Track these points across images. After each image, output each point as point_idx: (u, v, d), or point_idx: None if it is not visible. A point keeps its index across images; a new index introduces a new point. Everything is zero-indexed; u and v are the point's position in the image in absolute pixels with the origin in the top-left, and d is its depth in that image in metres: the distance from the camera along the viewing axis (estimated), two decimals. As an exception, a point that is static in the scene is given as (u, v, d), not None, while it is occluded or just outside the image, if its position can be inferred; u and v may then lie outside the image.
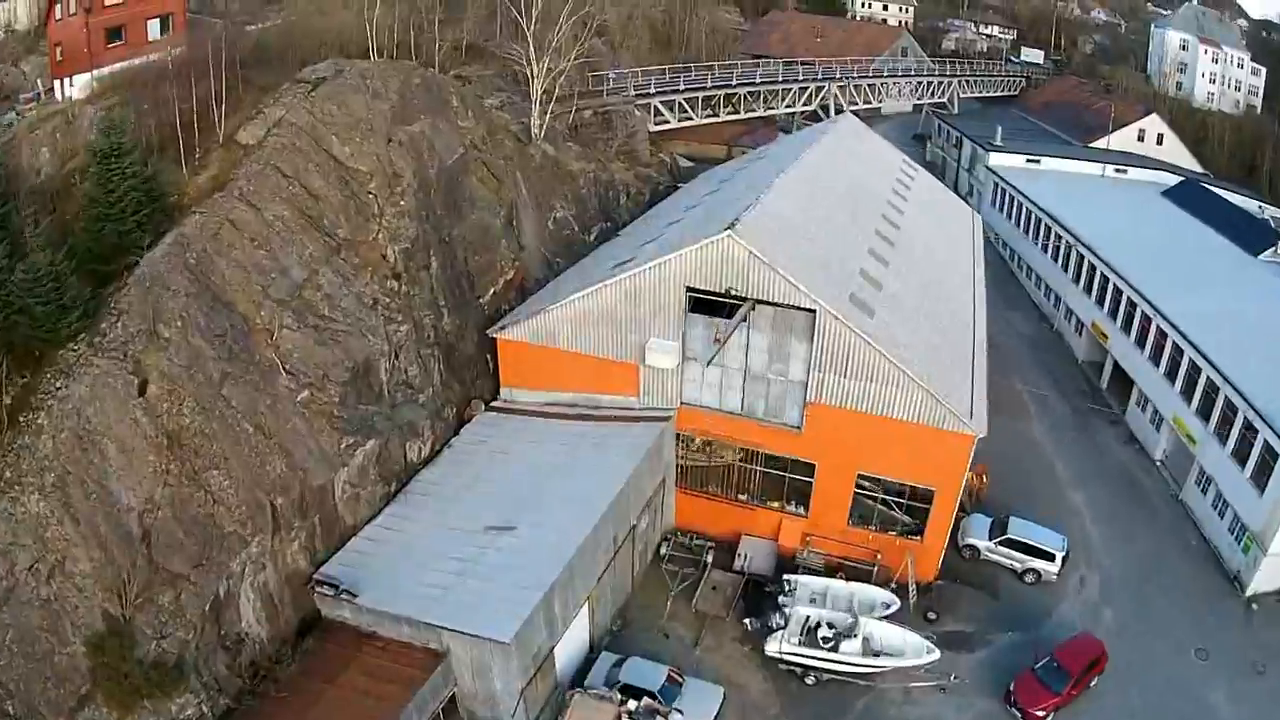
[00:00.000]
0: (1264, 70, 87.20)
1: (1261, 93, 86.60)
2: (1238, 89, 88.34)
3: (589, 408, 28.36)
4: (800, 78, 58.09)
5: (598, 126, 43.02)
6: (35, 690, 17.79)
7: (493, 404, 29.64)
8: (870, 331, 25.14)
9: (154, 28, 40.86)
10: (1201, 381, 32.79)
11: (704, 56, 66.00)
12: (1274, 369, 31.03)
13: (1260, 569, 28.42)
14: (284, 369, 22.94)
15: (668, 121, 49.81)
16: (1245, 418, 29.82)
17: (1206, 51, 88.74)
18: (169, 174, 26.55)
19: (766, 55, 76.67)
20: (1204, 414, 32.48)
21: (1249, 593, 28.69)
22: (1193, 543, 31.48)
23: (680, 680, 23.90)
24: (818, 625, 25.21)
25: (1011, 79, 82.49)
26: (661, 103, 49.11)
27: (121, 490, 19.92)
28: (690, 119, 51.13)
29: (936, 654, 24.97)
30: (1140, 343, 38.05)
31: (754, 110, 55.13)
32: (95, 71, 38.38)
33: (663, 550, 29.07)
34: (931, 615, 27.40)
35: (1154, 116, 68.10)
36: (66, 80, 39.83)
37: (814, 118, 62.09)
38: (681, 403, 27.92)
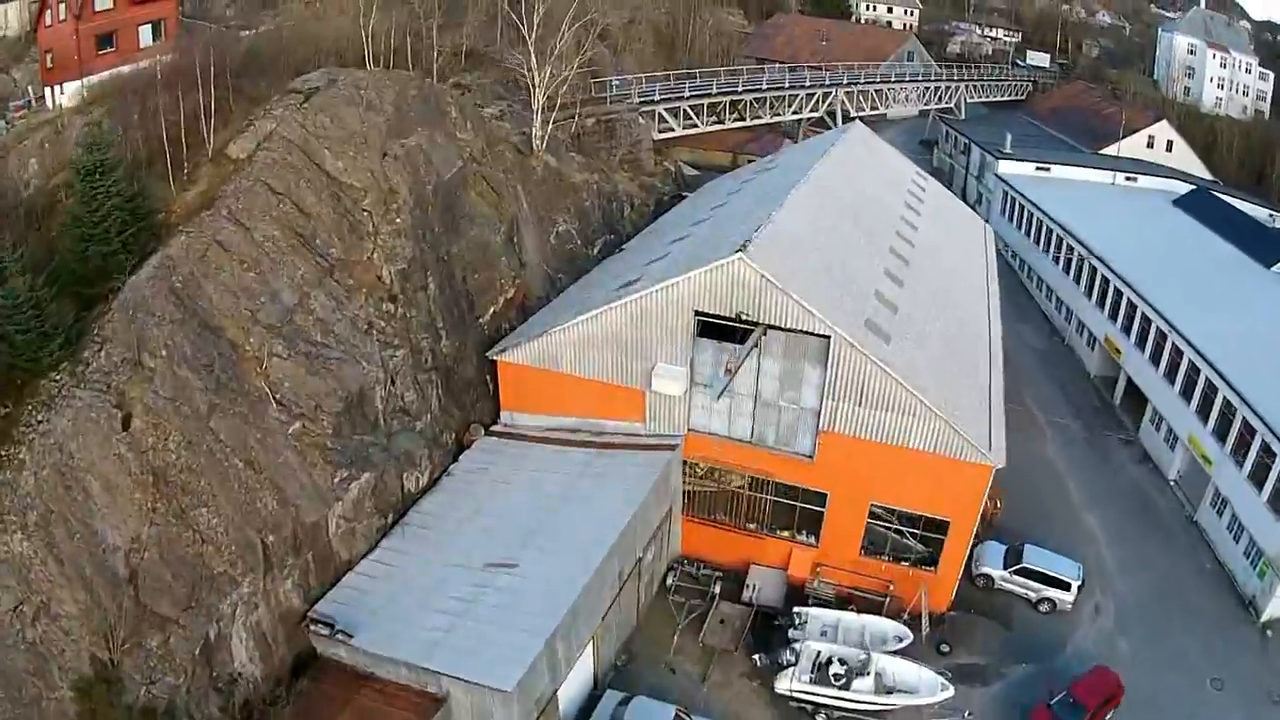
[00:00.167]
0: (1271, 75, 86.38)
1: (1270, 98, 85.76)
2: (1245, 94, 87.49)
3: (593, 433, 27.39)
4: (807, 84, 57.04)
5: (601, 135, 42.05)
6: (24, 737, 16.94)
7: (493, 428, 28.65)
8: (887, 359, 24.19)
9: (146, 34, 39.88)
10: (1218, 401, 31.92)
11: (708, 60, 65.07)
12: (1293, 389, 30.18)
13: (1276, 595, 27.68)
14: (274, 399, 21.93)
15: (672, 129, 48.80)
16: (1263, 440, 28.99)
17: (1215, 56, 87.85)
18: (156, 189, 25.56)
19: (771, 59, 75.70)
20: (1220, 434, 31.64)
21: (1264, 618, 27.98)
22: (1207, 566, 30.76)
23: (688, 720, 23.00)
24: (829, 661, 24.37)
25: (1018, 83, 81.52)
26: (666, 110, 48.11)
27: (107, 529, 19.03)
28: (695, 126, 50.11)
29: (950, 690, 24.16)
30: (1155, 359, 37.18)
31: (760, 117, 54.14)
32: (86, 79, 37.43)
33: (669, 580, 28.13)
34: (944, 648, 26.56)
35: (1163, 123, 67.18)
36: (57, 88, 38.88)
37: (820, 124, 61.17)
38: (689, 429, 26.95)
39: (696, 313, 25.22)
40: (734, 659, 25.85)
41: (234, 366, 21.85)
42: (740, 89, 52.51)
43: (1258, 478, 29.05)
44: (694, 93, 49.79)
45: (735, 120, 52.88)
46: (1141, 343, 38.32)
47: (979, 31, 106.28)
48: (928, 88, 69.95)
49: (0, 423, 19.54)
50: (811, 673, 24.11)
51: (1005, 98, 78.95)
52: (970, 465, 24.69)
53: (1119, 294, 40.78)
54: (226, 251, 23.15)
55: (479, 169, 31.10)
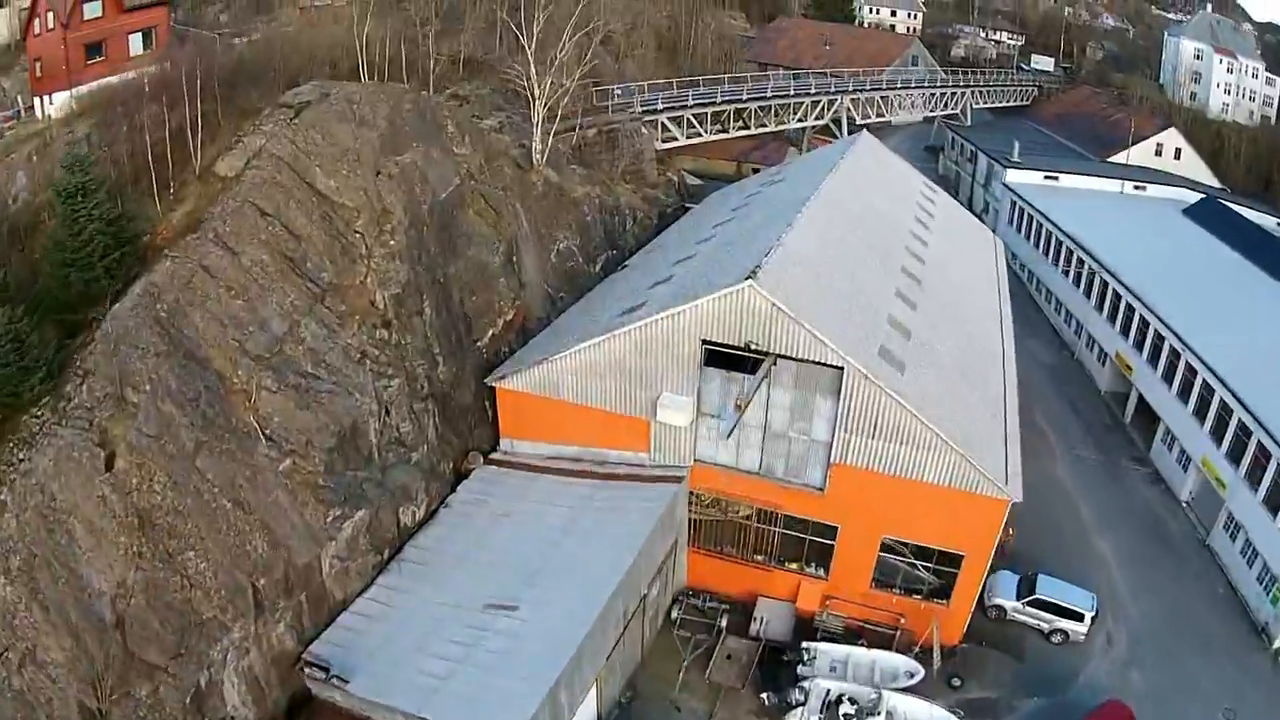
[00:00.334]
0: (1278, 80, 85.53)
1: (1277, 103, 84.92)
2: (1252, 99, 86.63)
3: (595, 463, 26.49)
4: (812, 91, 56.07)
5: (602, 146, 41.03)
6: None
7: (492, 456, 27.72)
8: (902, 390, 23.29)
9: (136, 42, 38.87)
10: (1233, 423, 31.19)
11: (710, 65, 64.08)
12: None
13: (1289, 622, 27.05)
14: (264, 435, 20.99)
15: (676, 139, 47.82)
16: (1279, 464, 28.25)
17: (1221, 61, 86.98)
18: (143, 208, 24.64)
19: (774, 63, 74.81)
20: (1234, 457, 30.91)
21: (1276, 645, 27.37)
22: (1220, 591, 30.15)
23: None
24: (839, 700, 23.56)
25: (1024, 88, 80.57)
26: (669, 119, 47.11)
27: (92, 574, 18.24)
28: (699, 135, 49.14)
29: (963, 729, 23.40)
30: (1167, 378, 36.41)
31: (765, 125, 53.15)
32: (74, 90, 36.49)
33: (674, 614, 27.24)
34: (956, 681, 25.78)
35: (1172, 130, 66.35)
36: (46, 98, 37.92)
37: (825, 130, 60.24)
38: (696, 460, 26.06)
39: (704, 341, 24.30)
40: (741, 696, 24.96)
41: (221, 400, 20.91)
42: (745, 97, 51.50)
43: (1272, 502, 28.44)
44: (698, 101, 48.78)
45: (740, 129, 51.88)
46: (1154, 360, 37.53)
47: (983, 35, 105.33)
48: (933, 94, 68.98)
49: (-21, 461, 18.73)
50: (821, 712, 23.28)
51: (1011, 103, 78.01)
52: (986, 499, 23.90)
53: (1130, 309, 39.98)
54: (213, 278, 22.20)
55: (477, 186, 30.11)
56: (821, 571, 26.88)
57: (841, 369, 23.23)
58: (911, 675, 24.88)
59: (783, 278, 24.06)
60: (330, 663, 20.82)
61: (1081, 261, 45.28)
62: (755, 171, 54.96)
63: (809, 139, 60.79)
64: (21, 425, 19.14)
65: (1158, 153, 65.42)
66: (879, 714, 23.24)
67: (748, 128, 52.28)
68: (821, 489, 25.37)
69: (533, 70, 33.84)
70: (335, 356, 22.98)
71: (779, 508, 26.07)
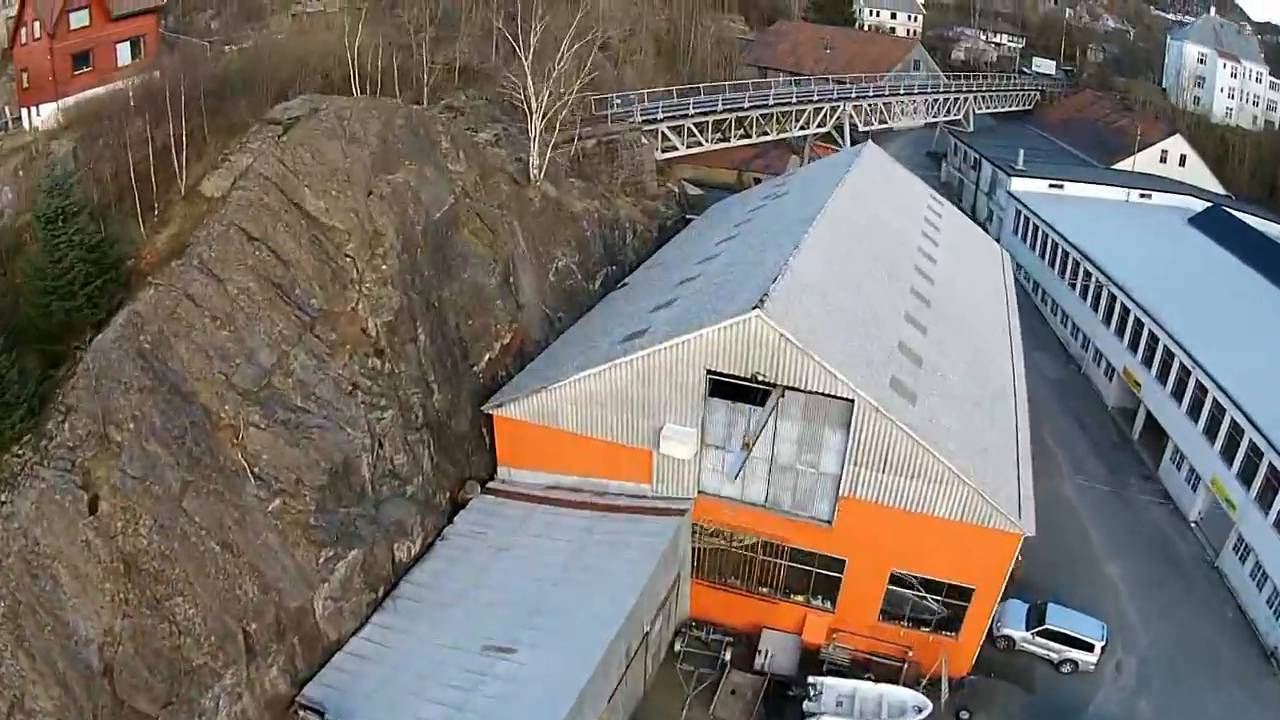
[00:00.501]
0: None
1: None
2: (1256, 104, 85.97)
3: (595, 494, 25.69)
4: (815, 98, 55.21)
5: (601, 158, 40.15)
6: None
7: (489, 484, 26.89)
8: (913, 424, 22.50)
9: (124, 52, 37.89)
10: (1244, 444, 30.45)
11: (709, 69, 63.29)
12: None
13: (1298, 647, 26.47)
14: (252, 474, 20.15)
15: (676, 148, 46.94)
16: (1292, 488, 27.66)
17: (1225, 65, 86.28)
18: (127, 230, 23.78)
19: (775, 67, 74.04)
20: (1245, 479, 30.18)
21: None
22: (1229, 615, 29.60)
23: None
24: (847, 738, 22.91)
25: (1026, 93, 79.75)
26: (670, 128, 46.24)
27: (78, 621, 17.57)
28: (700, 145, 48.27)
29: (973, 766, 22.80)
30: (1177, 395, 35.65)
31: (766, 133, 52.26)
32: (61, 101, 35.55)
33: (677, 646, 26.47)
34: (965, 714, 25.12)
35: (1177, 137, 65.59)
36: (34, 109, 36.98)
37: (827, 138, 59.45)
38: (699, 492, 25.27)
39: (709, 371, 23.48)
40: (747, 734, 24.37)
41: (207, 437, 20.07)
42: (746, 105, 50.61)
43: (1285, 527, 27.63)
44: (698, 110, 47.90)
45: (741, 137, 51.01)
46: (1162, 376, 36.80)
47: (983, 37, 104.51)
48: (936, 99, 68.17)
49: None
50: (829, 752, 22.69)
51: (1013, 108, 77.20)
52: (998, 533, 23.17)
53: (1139, 324, 39.22)
54: (198, 307, 21.34)
55: (472, 204, 29.23)
56: (828, 604, 26.16)
57: (852, 401, 22.45)
58: (919, 710, 24.22)
59: (791, 306, 23.25)
60: (325, 706, 20.09)
61: (1088, 274, 44.55)
62: (756, 180, 54.21)
63: (810, 146, 59.95)
64: (3, 465, 18.42)
65: (1162, 159, 64.62)
66: (888, 753, 22.63)
67: (749, 136, 51.42)
68: (829, 522, 24.61)
69: (530, 83, 32.89)
70: (326, 389, 22.12)
71: (785, 540, 25.31)
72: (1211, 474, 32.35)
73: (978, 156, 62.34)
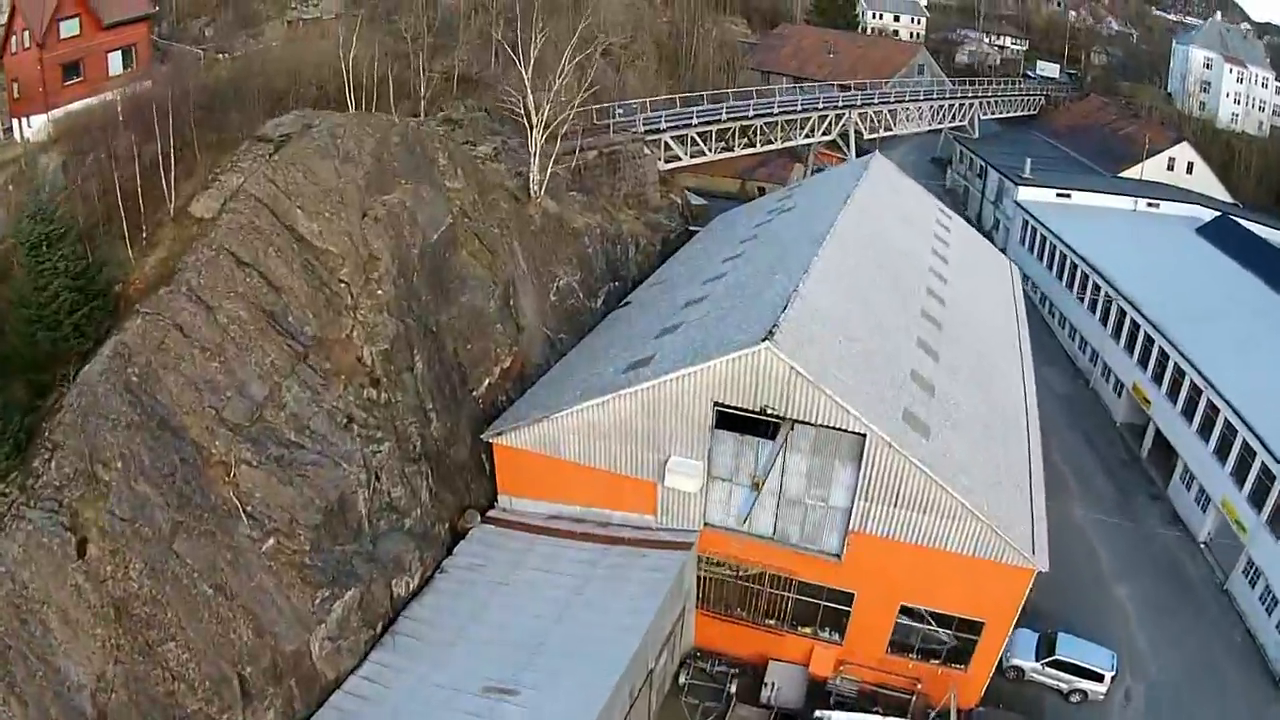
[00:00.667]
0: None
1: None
2: (1262, 109, 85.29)
3: (598, 524, 25.00)
4: (820, 106, 54.41)
5: (603, 170, 39.31)
6: None
7: (489, 514, 26.17)
8: (927, 459, 21.80)
9: (116, 61, 37.16)
10: (1256, 466, 29.84)
11: (712, 74, 62.50)
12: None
13: (1306, 674, 25.96)
14: (244, 514, 19.41)
15: (679, 158, 46.16)
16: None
17: (1231, 70, 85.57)
18: (114, 253, 23.04)
19: (778, 71, 73.20)
20: (1257, 501, 29.61)
21: None
22: (1238, 639, 29.09)
23: None
24: (857, 776, 22.29)
25: (1031, 98, 78.98)
26: (673, 138, 45.46)
27: (70, 667, 16.98)
28: (703, 154, 47.48)
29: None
30: (1187, 414, 34.99)
31: (771, 142, 51.49)
32: (52, 112, 34.78)
33: (682, 679, 25.81)
34: (974, 747, 24.63)
35: (1184, 144, 64.91)
36: (25, 120, 36.22)
37: (831, 145, 58.69)
38: (705, 524, 24.59)
39: (716, 404, 22.78)
40: (753, 772, 23.80)
41: (198, 475, 19.34)
42: (751, 114, 49.81)
43: (1296, 553, 27.12)
44: (702, 119, 47.10)
45: (745, 146, 50.23)
46: (1173, 394, 36.13)
47: (987, 40, 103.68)
48: (941, 105, 67.40)
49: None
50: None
51: (1018, 113, 76.44)
52: (1011, 569, 22.55)
53: (1149, 339, 38.56)
54: (187, 337, 20.57)
55: (470, 224, 28.42)
56: (836, 636, 25.49)
57: (864, 436, 21.75)
58: (928, 744, 23.72)
59: (801, 336, 22.51)
60: (320, 751, 19.49)
61: (1097, 287, 43.87)
62: (760, 190, 53.50)
63: (814, 154, 59.19)
64: (-12, 505, 17.73)
65: (1170, 167, 63.98)
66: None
67: (753, 145, 50.64)
68: (838, 556, 23.95)
69: (530, 96, 32.05)
70: (320, 422, 21.36)
71: (793, 574, 24.65)
72: (1222, 495, 31.76)
73: (984, 164, 61.57)
